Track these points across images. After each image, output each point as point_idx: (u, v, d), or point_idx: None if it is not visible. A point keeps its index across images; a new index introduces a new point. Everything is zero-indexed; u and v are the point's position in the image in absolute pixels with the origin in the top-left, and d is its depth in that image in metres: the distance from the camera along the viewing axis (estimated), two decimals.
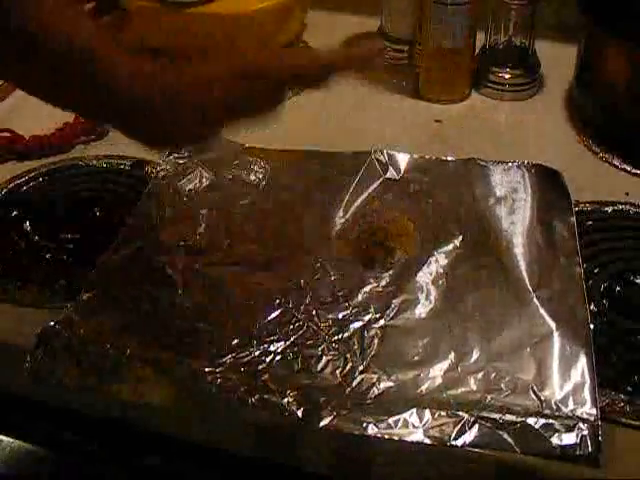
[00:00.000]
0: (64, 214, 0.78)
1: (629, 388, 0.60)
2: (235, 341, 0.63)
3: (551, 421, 0.56)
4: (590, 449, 0.55)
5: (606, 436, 0.55)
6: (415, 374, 0.61)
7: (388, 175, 0.80)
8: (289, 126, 0.90)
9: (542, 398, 0.58)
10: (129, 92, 0.55)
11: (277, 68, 0.59)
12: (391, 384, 0.60)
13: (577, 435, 0.55)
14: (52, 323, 0.64)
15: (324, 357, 0.62)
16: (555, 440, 0.55)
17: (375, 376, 0.60)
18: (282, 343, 0.63)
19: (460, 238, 0.72)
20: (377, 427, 0.56)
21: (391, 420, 0.57)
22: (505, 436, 0.56)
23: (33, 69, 0.54)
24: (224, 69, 0.57)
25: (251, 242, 0.73)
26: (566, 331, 0.62)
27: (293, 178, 0.80)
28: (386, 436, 0.56)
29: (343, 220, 0.75)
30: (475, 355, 0.62)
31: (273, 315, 0.66)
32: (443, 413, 0.57)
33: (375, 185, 0.79)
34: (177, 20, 0.95)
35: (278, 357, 0.62)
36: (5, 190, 0.80)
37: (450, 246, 0.71)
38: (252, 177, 0.81)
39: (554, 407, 0.57)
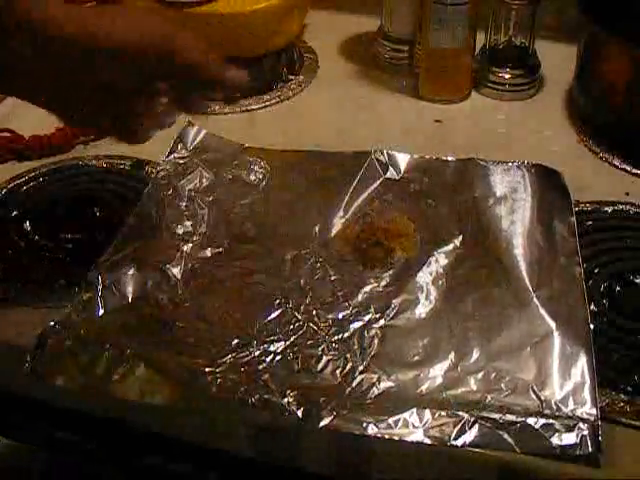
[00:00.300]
0: (64, 214, 0.78)
1: (629, 388, 0.60)
2: (235, 341, 0.63)
3: (551, 421, 0.56)
4: (590, 449, 0.55)
5: (606, 436, 0.55)
6: (415, 374, 0.61)
7: (388, 175, 0.80)
8: (289, 126, 0.91)
9: (542, 398, 0.58)
10: (60, 31, 0.56)
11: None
12: (391, 384, 0.60)
13: (577, 435, 0.55)
14: (52, 323, 0.64)
15: (324, 357, 0.62)
16: (555, 440, 0.55)
17: (375, 376, 0.61)
18: (282, 343, 0.63)
19: (460, 238, 0.72)
20: (377, 427, 0.56)
21: (391, 420, 0.57)
22: (505, 436, 0.56)
23: None
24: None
25: (251, 242, 0.73)
26: (566, 331, 0.62)
27: (293, 178, 0.80)
28: (386, 436, 0.56)
29: (343, 220, 0.75)
30: (475, 355, 0.62)
31: (273, 315, 0.66)
32: (443, 413, 0.57)
33: (375, 185, 0.79)
34: (177, 20, 0.94)
35: (278, 357, 0.62)
36: (5, 190, 0.80)
37: (450, 246, 0.71)
38: (252, 177, 0.81)
39: (554, 407, 0.57)
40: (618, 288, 0.68)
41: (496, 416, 0.57)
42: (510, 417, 0.57)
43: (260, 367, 0.61)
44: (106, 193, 0.80)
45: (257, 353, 0.62)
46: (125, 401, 0.60)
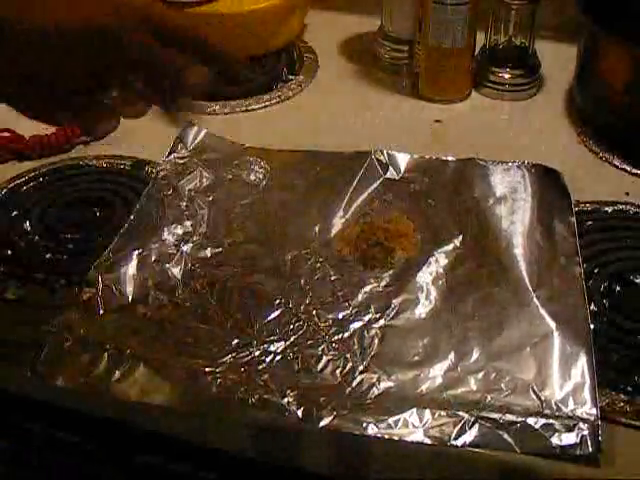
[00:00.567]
0: (64, 214, 0.78)
1: (629, 388, 0.60)
2: (235, 341, 0.63)
3: (551, 421, 0.56)
4: (590, 449, 0.55)
5: (606, 436, 0.55)
6: (415, 374, 0.61)
7: (388, 175, 0.80)
8: (289, 126, 0.91)
9: (542, 398, 0.58)
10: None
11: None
12: (391, 384, 0.60)
13: (577, 435, 0.55)
14: (52, 323, 0.64)
15: (324, 357, 0.62)
16: (555, 440, 0.55)
17: (375, 376, 0.61)
18: (282, 343, 0.63)
19: (460, 238, 0.72)
20: (377, 427, 0.56)
21: (391, 420, 0.57)
22: (505, 436, 0.56)
23: None
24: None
25: (251, 242, 0.73)
26: (566, 331, 0.62)
27: (293, 178, 0.80)
28: (386, 436, 0.56)
29: (343, 220, 0.75)
30: (475, 355, 0.62)
31: (273, 315, 0.66)
32: (443, 413, 0.57)
33: (375, 185, 0.79)
34: (177, 20, 0.94)
35: (278, 357, 0.62)
36: (5, 190, 0.80)
37: (450, 246, 0.71)
38: (252, 177, 0.81)
39: (554, 407, 0.57)
40: (618, 288, 0.68)
41: (496, 416, 0.57)
42: (510, 417, 0.57)
43: (260, 367, 0.61)
44: (106, 193, 0.80)
45: (257, 353, 0.62)
46: (125, 401, 0.60)
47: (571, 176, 0.78)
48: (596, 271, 0.69)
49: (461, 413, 0.57)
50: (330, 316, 0.65)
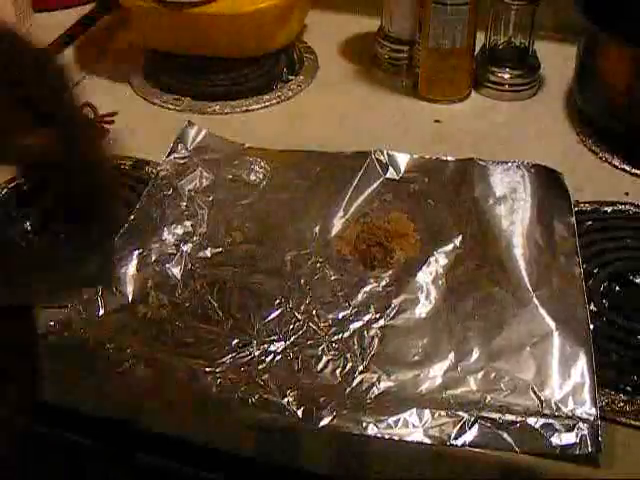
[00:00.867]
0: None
1: (629, 388, 0.60)
2: (235, 341, 0.63)
3: (551, 421, 0.56)
4: (590, 449, 0.55)
5: (606, 436, 0.55)
6: (415, 374, 0.61)
7: (388, 175, 0.80)
8: (289, 126, 0.91)
9: (542, 398, 0.58)
10: None
11: None
12: (391, 384, 0.60)
13: (577, 435, 0.55)
14: (52, 323, 0.64)
15: (324, 357, 0.62)
16: (555, 440, 0.55)
17: (375, 376, 0.61)
18: (282, 343, 0.63)
19: (460, 238, 0.72)
20: (377, 427, 0.56)
21: (391, 420, 0.57)
22: (505, 436, 0.56)
23: None
24: None
25: (251, 242, 0.73)
26: (566, 331, 0.62)
27: (293, 178, 0.80)
28: (386, 436, 0.56)
29: (343, 220, 0.75)
30: (475, 355, 0.62)
31: (273, 315, 0.66)
32: (443, 413, 0.57)
33: (375, 185, 0.79)
34: (177, 20, 0.95)
35: (278, 357, 0.62)
36: (5, 190, 0.80)
37: (450, 246, 0.71)
38: (252, 177, 0.81)
39: (554, 407, 0.57)
40: (618, 288, 0.68)
41: (496, 416, 0.57)
42: (510, 417, 0.57)
43: (260, 367, 0.61)
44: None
45: (257, 353, 0.62)
46: (125, 401, 0.60)
47: (571, 176, 0.78)
48: (596, 271, 0.70)
49: (461, 413, 0.57)
50: (330, 316, 0.65)
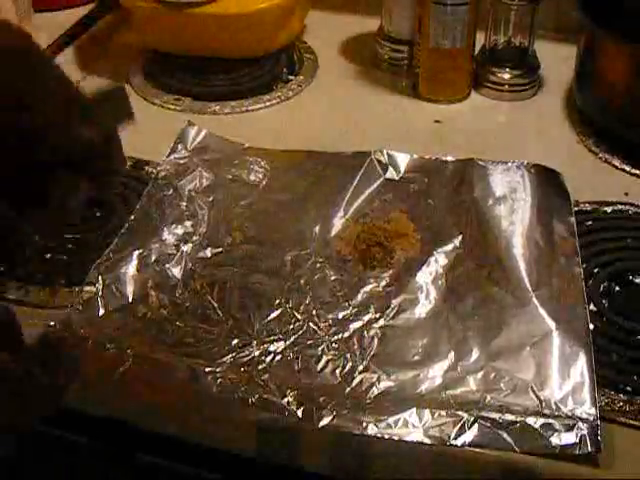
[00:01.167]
0: None
1: (628, 388, 0.60)
2: (235, 341, 0.63)
3: (550, 421, 0.56)
4: (589, 448, 0.55)
5: (605, 436, 0.55)
6: (415, 374, 0.61)
7: (388, 175, 0.80)
8: (289, 126, 0.91)
9: (541, 398, 0.58)
10: None
11: None
12: (391, 384, 0.60)
13: (576, 434, 0.55)
14: (52, 323, 0.64)
15: (324, 357, 0.62)
16: (554, 439, 0.55)
17: (375, 376, 0.61)
18: (282, 343, 0.63)
19: (460, 238, 0.72)
20: (377, 427, 0.57)
21: (391, 420, 0.57)
22: (505, 436, 0.56)
23: None
24: None
25: (251, 242, 0.73)
26: (566, 331, 0.62)
27: (293, 178, 0.80)
28: (386, 436, 0.56)
29: (343, 220, 0.75)
30: (475, 355, 0.62)
31: (273, 315, 0.66)
32: (443, 413, 0.57)
33: (375, 185, 0.79)
34: (177, 20, 0.95)
35: (278, 357, 0.62)
36: None
37: (450, 246, 0.72)
38: (252, 177, 0.81)
39: (553, 407, 0.57)
40: (618, 288, 0.68)
41: (496, 416, 0.57)
42: (510, 417, 0.57)
43: (260, 367, 0.61)
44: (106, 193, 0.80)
45: (257, 353, 0.62)
46: (125, 401, 0.60)
47: (571, 176, 0.78)
48: (596, 271, 0.70)
49: (461, 413, 0.57)
50: (330, 316, 0.65)
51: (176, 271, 0.70)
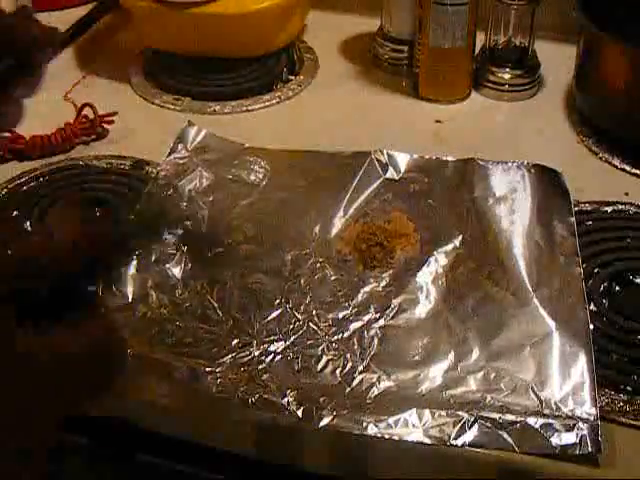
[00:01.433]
0: None
1: (628, 388, 0.60)
2: (235, 341, 0.63)
3: (551, 421, 0.56)
4: (590, 449, 0.55)
5: (605, 436, 0.55)
6: (415, 374, 0.61)
7: (388, 175, 0.80)
8: (289, 126, 0.91)
9: (542, 398, 0.58)
10: None
11: None
12: (391, 384, 0.60)
13: (577, 435, 0.55)
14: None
15: (324, 357, 0.62)
16: (555, 440, 0.55)
17: (375, 376, 0.61)
18: (282, 343, 0.63)
19: (460, 238, 0.72)
20: (377, 427, 0.56)
21: (391, 420, 0.57)
22: (505, 436, 0.56)
23: None
24: None
25: (251, 242, 0.73)
26: (566, 331, 0.62)
27: (293, 178, 0.80)
28: (386, 436, 0.56)
29: (343, 220, 0.75)
30: (475, 355, 0.62)
31: (273, 315, 0.66)
32: (443, 413, 0.57)
33: (375, 185, 0.79)
34: (177, 20, 0.95)
35: (278, 357, 0.62)
36: (5, 190, 0.80)
37: (450, 246, 0.72)
38: (252, 177, 0.81)
39: (554, 407, 0.57)
40: (618, 288, 0.68)
41: (496, 416, 0.57)
42: (510, 417, 0.57)
43: (260, 367, 0.61)
44: (106, 193, 0.80)
45: (257, 353, 0.62)
46: (126, 401, 0.60)
47: (571, 176, 0.78)
48: (596, 271, 0.70)
49: (461, 413, 0.57)
50: (330, 316, 0.65)
51: (176, 271, 0.70)
